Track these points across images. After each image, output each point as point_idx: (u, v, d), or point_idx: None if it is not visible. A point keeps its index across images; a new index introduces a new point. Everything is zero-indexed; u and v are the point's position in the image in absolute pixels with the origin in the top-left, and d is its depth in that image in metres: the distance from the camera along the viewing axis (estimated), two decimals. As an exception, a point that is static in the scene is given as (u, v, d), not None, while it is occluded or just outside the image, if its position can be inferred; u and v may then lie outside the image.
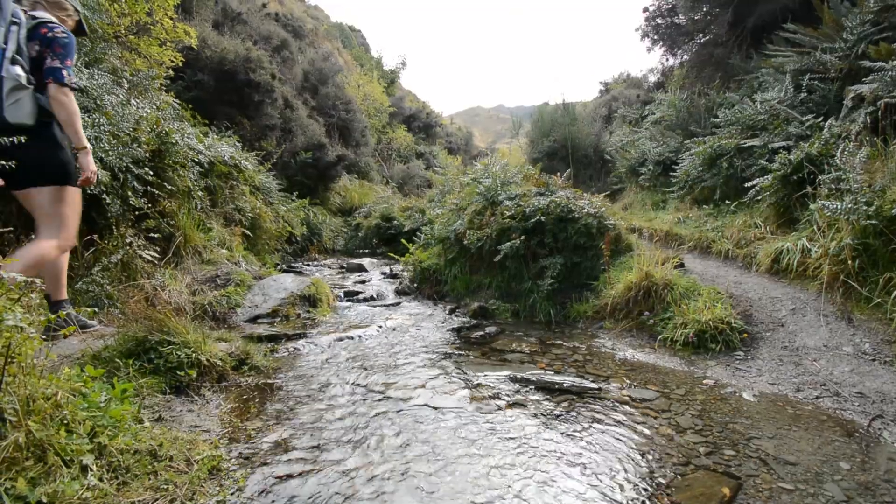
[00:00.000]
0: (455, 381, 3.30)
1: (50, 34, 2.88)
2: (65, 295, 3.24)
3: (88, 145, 3.09)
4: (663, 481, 2.14)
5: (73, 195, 3.12)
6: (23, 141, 2.41)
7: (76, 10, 3.26)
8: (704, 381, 3.37)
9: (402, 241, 7.68)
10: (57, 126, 2.99)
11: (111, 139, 4.42)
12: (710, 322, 3.93)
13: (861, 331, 3.65)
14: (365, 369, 3.53)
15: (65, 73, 2.87)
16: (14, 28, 2.75)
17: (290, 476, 2.08)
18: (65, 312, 2.99)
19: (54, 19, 3.00)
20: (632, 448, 2.42)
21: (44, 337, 2.01)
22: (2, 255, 2.01)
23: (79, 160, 3.07)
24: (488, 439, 2.47)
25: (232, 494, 1.92)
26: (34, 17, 2.90)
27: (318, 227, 11.60)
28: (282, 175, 11.12)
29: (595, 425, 2.68)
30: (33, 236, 3.03)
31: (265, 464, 2.17)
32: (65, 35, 2.94)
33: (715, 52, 11.11)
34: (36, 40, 2.86)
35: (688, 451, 2.40)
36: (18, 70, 2.73)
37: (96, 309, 3.86)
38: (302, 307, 5.31)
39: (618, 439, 2.51)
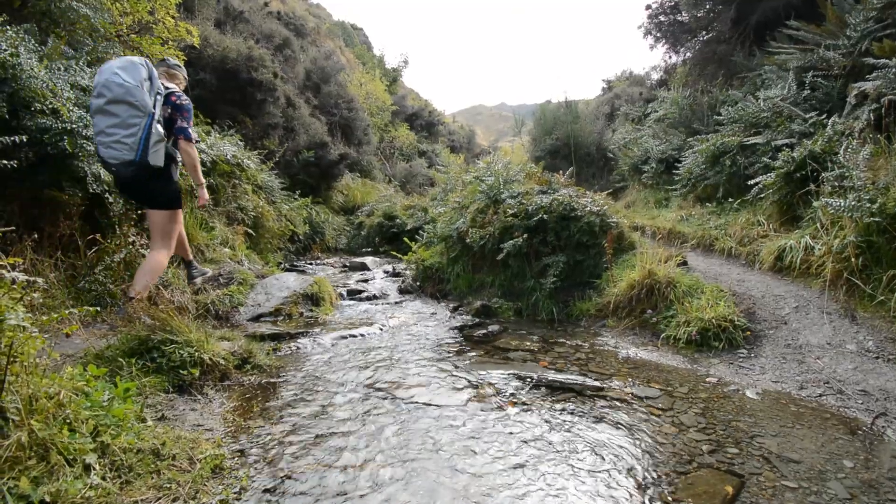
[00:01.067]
0: (458, 379, 3.30)
1: (178, 101, 3.74)
2: (191, 256, 4.44)
3: (204, 181, 4.07)
4: (666, 479, 2.13)
5: (179, 215, 4.00)
6: (155, 179, 3.66)
7: (185, 78, 4.18)
8: (708, 379, 3.37)
9: (405, 239, 7.66)
10: (173, 166, 3.83)
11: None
12: (714, 320, 3.92)
13: (864, 328, 3.64)
14: (368, 368, 3.53)
15: (191, 132, 3.78)
16: (158, 97, 3.61)
17: (292, 474, 2.08)
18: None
19: (178, 89, 3.88)
20: (635, 446, 2.42)
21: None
22: (4, 253, 2.03)
23: (197, 192, 4.07)
24: (491, 437, 2.47)
25: (235, 493, 1.92)
26: (165, 87, 3.75)
27: (321, 225, 11.59)
28: (284, 174, 11.12)
29: (598, 423, 2.67)
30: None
31: (268, 462, 2.18)
32: (187, 101, 3.82)
33: (718, 49, 11.07)
34: (168, 105, 3.72)
35: (691, 449, 2.39)
36: (160, 128, 3.59)
37: (98, 308, 3.88)
38: (305, 306, 5.31)
39: (620, 437, 2.51)
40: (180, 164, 3.89)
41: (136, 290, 3.60)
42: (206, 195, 4.12)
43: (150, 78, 3.57)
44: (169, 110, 3.71)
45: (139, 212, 4.70)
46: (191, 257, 4.43)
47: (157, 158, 3.57)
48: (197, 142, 3.94)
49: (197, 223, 5.72)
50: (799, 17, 7.79)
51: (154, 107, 3.54)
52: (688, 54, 12.84)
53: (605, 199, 6.01)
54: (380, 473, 2.11)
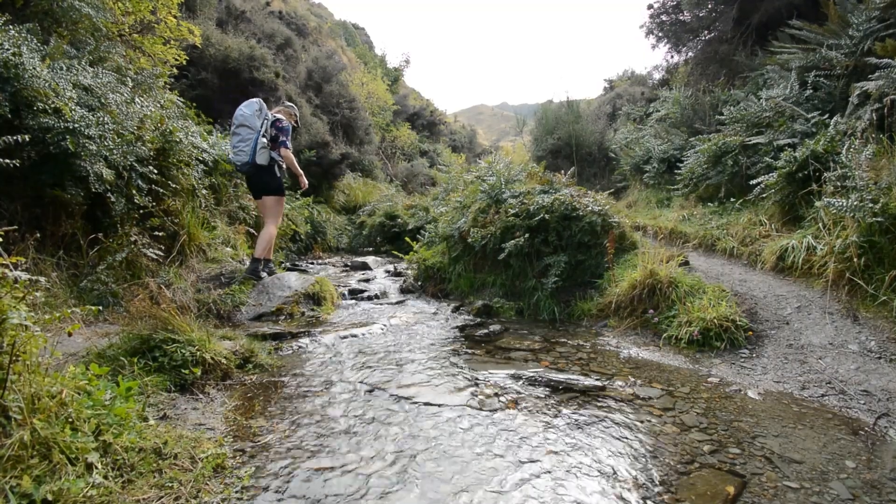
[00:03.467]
0: (459, 379, 3.30)
1: (280, 125, 5.50)
2: (271, 256, 5.73)
3: (301, 172, 5.94)
4: (668, 479, 2.13)
5: (282, 200, 5.84)
6: (262, 172, 5.44)
7: (295, 115, 6.02)
8: (709, 380, 3.36)
9: (406, 239, 7.67)
10: (277, 166, 5.55)
11: (115, 137, 4.43)
12: (715, 320, 3.92)
13: (867, 328, 3.63)
14: (369, 367, 3.53)
15: (288, 143, 5.53)
16: (266, 121, 5.40)
17: (294, 473, 2.08)
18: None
19: (283, 117, 5.62)
20: (636, 446, 2.42)
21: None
22: (7, 253, 2.03)
23: (299, 181, 6.04)
24: (492, 437, 2.47)
25: (236, 492, 1.93)
26: (273, 116, 5.54)
27: (322, 225, 11.60)
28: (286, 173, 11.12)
29: (599, 423, 2.67)
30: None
31: (270, 461, 2.18)
32: (287, 126, 5.58)
33: (720, 49, 11.05)
34: (273, 128, 5.47)
35: (692, 450, 2.39)
36: (265, 140, 5.36)
37: (101, 307, 3.88)
38: (306, 305, 5.31)
39: (622, 437, 2.51)
40: (283, 165, 5.64)
41: (259, 253, 5.47)
42: (305, 181, 6.13)
43: (261, 108, 5.43)
44: (274, 131, 5.48)
45: (140, 212, 4.72)
46: (270, 256, 5.70)
47: (262, 159, 5.35)
48: (288, 148, 5.54)
49: (199, 223, 5.72)
50: (801, 16, 7.78)
51: (261, 127, 5.35)
52: (690, 54, 12.82)
53: (606, 199, 6.01)
54: (382, 473, 2.11)
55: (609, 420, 2.72)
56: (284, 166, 5.65)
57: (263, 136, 5.33)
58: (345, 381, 3.26)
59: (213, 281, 5.20)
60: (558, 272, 5.21)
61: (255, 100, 5.45)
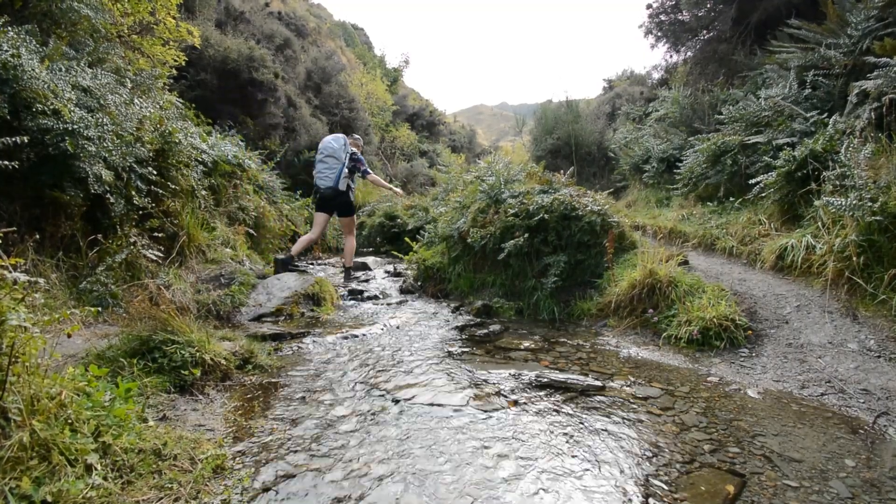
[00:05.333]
0: (459, 379, 3.30)
1: (356, 157, 6.77)
2: (351, 263, 7.22)
3: (391, 185, 7.51)
4: (668, 479, 2.13)
5: (354, 218, 7.28)
6: (340, 196, 6.64)
7: (361, 145, 7.22)
8: (709, 379, 3.37)
9: (406, 239, 7.67)
10: (350, 192, 6.81)
11: (115, 139, 4.43)
12: (715, 319, 3.92)
13: (866, 327, 3.63)
14: (369, 368, 3.53)
15: (368, 170, 6.85)
16: (347, 154, 6.61)
17: (294, 474, 2.09)
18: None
19: (356, 149, 6.90)
20: (636, 446, 2.42)
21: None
22: (6, 254, 2.03)
23: (394, 191, 7.67)
24: (492, 437, 2.47)
25: (236, 493, 1.93)
26: (351, 150, 6.75)
27: (322, 225, 11.58)
28: (285, 174, 11.13)
29: (599, 423, 2.67)
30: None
31: (269, 462, 2.18)
32: (362, 158, 6.84)
33: (719, 48, 11.06)
34: (352, 160, 6.69)
35: (692, 449, 2.39)
36: (346, 170, 6.58)
37: (100, 309, 3.88)
38: (306, 306, 5.32)
39: (622, 437, 2.51)
40: (354, 189, 7.00)
41: (349, 262, 7.13)
42: (400, 191, 7.76)
43: (345, 143, 6.70)
44: (353, 163, 6.71)
45: (140, 213, 4.72)
46: (292, 253, 6.61)
47: (342, 186, 6.60)
48: (367, 175, 6.89)
49: (198, 223, 5.72)
50: (800, 15, 7.79)
51: (345, 159, 6.61)
52: (689, 53, 12.82)
53: (605, 199, 6.01)
54: (381, 473, 2.11)
55: (609, 420, 2.72)
56: (354, 189, 7.17)
57: (344, 166, 6.58)
58: (345, 381, 3.26)
59: (212, 282, 5.20)
60: (558, 272, 5.21)
61: (340, 135, 6.82)
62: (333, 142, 6.61)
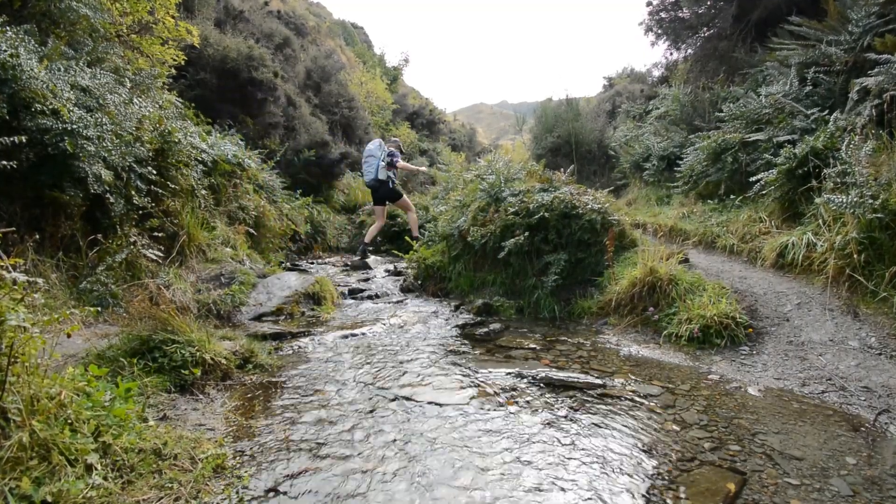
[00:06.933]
0: (459, 378, 3.30)
1: (392, 151, 8.31)
2: (417, 234, 8.06)
3: (416, 168, 9.65)
4: (668, 477, 2.13)
5: (406, 198, 8.67)
6: (383, 185, 8.35)
7: (400, 145, 8.84)
8: (709, 377, 3.36)
9: (406, 238, 7.66)
10: (391, 179, 8.25)
11: (114, 138, 4.42)
12: (715, 317, 3.91)
13: (867, 325, 3.63)
14: (369, 367, 3.53)
15: (400, 159, 8.35)
16: (384, 152, 8.24)
17: (294, 474, 2.08)
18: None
19: (395, 150, 8.45)
20: (636, 444, 2.42)
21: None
22: (6, 254, 2.03)
23: (420, 171, 10.22)
24: (492, 436, 2.47)
25: (236, 493, 1.92)
26: (389, 149, 8.35)
27: (322, 224, 11.58)
28: (285, 173, 11.10)
29: (599, 421, 2.67)
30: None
31: (270, 462, 2.18)
32: (397, 152, 8.37)
33: (719, 45, 11.03)
34: (388, 156, 8.19)
35: (693, 447, 2.39)
36: (383, 164, 8.14)
37: (100, 308, 3.88)
38: (306, 305, 5.32)
39: (622, 435, 2.51)
40: (396, 180, 8.54)
41: (415, 232, 8.15)
42: (423, 169, 10.50)
43: (381, 145, 8.36)
44: (389, 157, 8.21)
45: (140, 213, 4.72)
46: (365, 241, 8.62)
47: (382, 175, 8.16)
48: (397, 165, 8.28)
49: (198, 223, 5.72)
50: (800, 12, 7.76)
51: (380, 156, 8.17)
52: (689, 51, 12.79)
53: (606, 197, 6.00)
54: (383, 472, 2.11)
55: (609, 418, 2.72)
56: (397, 181, 8.67)
57: (382, 161, 8.19)
58: (345, 380, 3.26)
59: (212, 281, 5.20)
60: (558, 270, 5.20)
61: (378, 139, 8.70)
62: (372, 145, 8.41)
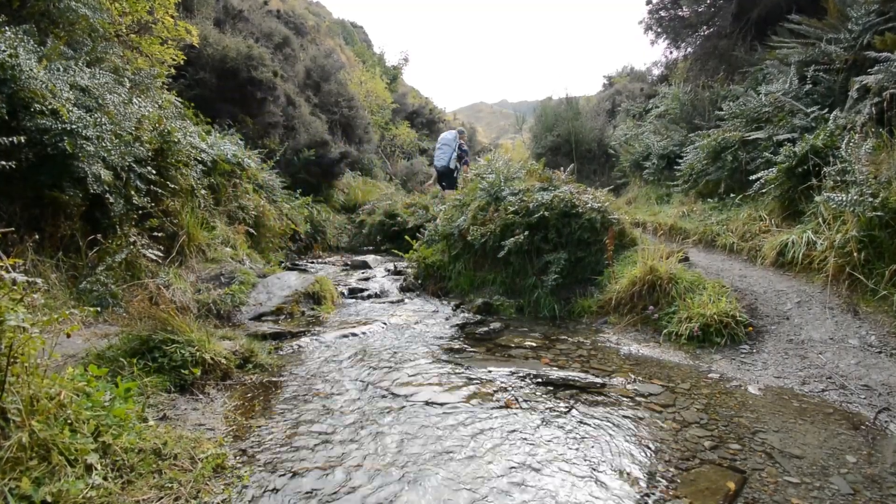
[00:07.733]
0: (459, 377, 3.30)
1: (463, 148, 10.40)
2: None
3: (465, 168, 10.29)
4: (668, 475, 2.13)
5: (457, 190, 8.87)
6: (450, 173, 10.32)
7: (466, 139, 11.23)
8: (709, 375, 3.36)
9: (406, 237, 7.66)
10: (457, 169, 10.15)
11: (113, 138, 4.42)
12: (716, 316, 3.91)
13: (867, 323, 3.63)
14: (369, 366, 3.53)
15: (469, 160, 10.29)
16: (456, 142, 10.22)
17: (294, 473, 2.08)
18: None
19: (463, 142, 10.50)
20: (636, 443, 2.42)
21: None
22: (5, 254, 2.02)
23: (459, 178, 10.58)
24: (492, 435, 2.47)
25: (236, 492, 1.93)
26: (459, 141, 10.37)
27: (322, 224, 11.57)
28: (285, 173, 11.09)
29: (599, 420, 2.67)
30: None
31: (270, 461, 2.18)
32: (467, 149, 10.78)
33: (719, 44, 11.02)
34: (460, 150, 10.23)
35: (693, 446, 2.39)
36: (454, 154, 10.12)
37: (100, 308, 3.88)
38: (306, 305, 5.31)
39: (622, 434, 2.51)
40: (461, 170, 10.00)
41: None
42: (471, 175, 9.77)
43: (455, 137, 9.98)
44: (458, 150, 9.83)
45: (139, 212, 4.71)
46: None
47: (452, 165, 9.83)
48: (467, 163, 9.76)
49: (198, 223, 5.72)
50: (800, 11, 7.75)
51: (454, 147, 9.84)
52: (689, 49, 12.77)
53: (606, 196, 6.00)
54: (382, 472, 2.11)
55: (609, 417, 2.72)
56: (461, 170, 10.02)
57: (454, 151, 9.91)
58: (345, 380, 3.26)
59: (212, 281, 5.20)
60: (558, 269, 5.20)
61: (454, 130, 10.48)
62: (448, 135, 10.19)
